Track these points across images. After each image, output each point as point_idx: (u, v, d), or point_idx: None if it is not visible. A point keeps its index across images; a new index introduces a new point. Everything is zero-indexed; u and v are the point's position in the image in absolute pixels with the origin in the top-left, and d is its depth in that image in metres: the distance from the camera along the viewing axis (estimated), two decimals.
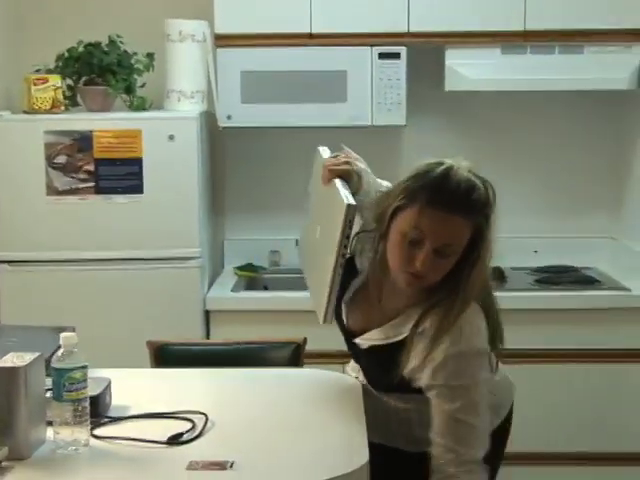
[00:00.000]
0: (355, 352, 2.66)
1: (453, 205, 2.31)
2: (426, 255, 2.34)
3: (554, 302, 3.99)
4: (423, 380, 2.41)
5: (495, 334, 2.51)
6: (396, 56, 4.14)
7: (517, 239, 4.47)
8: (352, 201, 2.40)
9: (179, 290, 3.97)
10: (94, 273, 3.95)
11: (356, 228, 2.50)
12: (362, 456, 2.20)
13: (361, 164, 2.62)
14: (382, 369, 2.52)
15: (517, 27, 4.09)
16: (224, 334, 3.90)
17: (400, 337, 2.47)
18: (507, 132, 4.51)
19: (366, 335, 2.56)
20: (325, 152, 2.72)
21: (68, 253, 3.94)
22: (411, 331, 2.43)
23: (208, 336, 4.00)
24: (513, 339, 4.01)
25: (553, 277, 4.28)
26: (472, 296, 2.39)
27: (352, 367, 2.84)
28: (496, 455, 2.60)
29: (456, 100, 4.41)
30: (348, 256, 2.48)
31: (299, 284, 4.31)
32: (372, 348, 2.55)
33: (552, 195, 4.58)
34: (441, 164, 2.37)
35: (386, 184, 2.63)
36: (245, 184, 4.57)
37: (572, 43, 4.11)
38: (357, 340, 2.59)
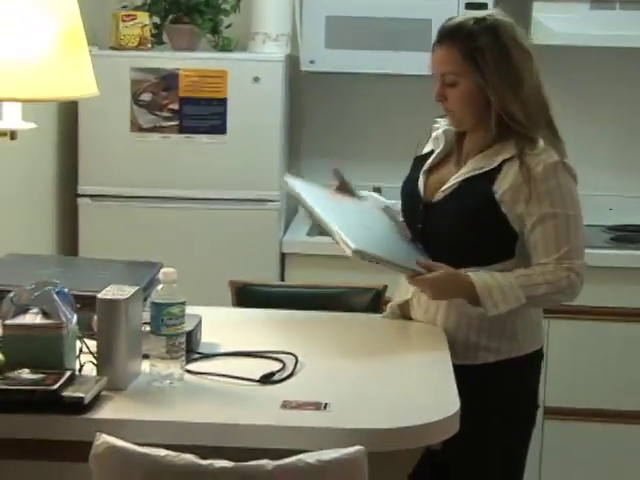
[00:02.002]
0: (428, 216, 2.78)
1: (438, 36, 2.72)
2: (437, 89, 2.72)
3: (632, 261, 3.98)
4: (531, 209, 2.64)
5: None
6: (483, 6, 4.09)
7: (592, 196, 4.43)
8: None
9: (257, 232, 4.00)
10: (174, 211, 3.99)
11: None
12: (453, 403, 2.22)
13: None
14: (465, 208, 2.69)
15: None
16: (298, 277, 3.93)
17: (494, 164, 2.69)
18: (589, 87, 4.46)
19: (453, 177, 2.74)
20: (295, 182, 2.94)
21: (149, 190, 3.98)
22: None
23: (283, 279, 4.04)
24: (587, 296, 4.02)
25: (629, 236, 4.25)
26: (531, 112, 2.68)
27: (403, 288, 2.88)
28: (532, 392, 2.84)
29: (541, 53, 4.34)
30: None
31: None
32: (457, 190, 2.72)
33: (629, 153, 4.54)
34: None
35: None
36: (323, 129, 4.57)
37: None
38: (438, 194, 2.75)
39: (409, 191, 2.86)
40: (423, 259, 2.68)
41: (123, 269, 2.88)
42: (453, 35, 2.69)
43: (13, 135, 2.50)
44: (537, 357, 2.83)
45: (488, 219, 2.69)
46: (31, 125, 2.52)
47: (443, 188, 2.75)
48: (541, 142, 2.69)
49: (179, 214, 4.00)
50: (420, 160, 2.89)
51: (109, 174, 3.98)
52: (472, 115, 2.72)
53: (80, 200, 4.02)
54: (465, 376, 2.48)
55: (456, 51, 2.68)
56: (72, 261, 3.42)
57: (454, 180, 2.73)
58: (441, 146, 2.84)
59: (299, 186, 2.90)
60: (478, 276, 2.62)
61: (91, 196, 4.00)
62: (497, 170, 2.68)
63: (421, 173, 2.83)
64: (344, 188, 2.94)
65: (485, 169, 2.70)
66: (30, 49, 2.36)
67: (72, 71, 2.42)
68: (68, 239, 4.08)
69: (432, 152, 2.87)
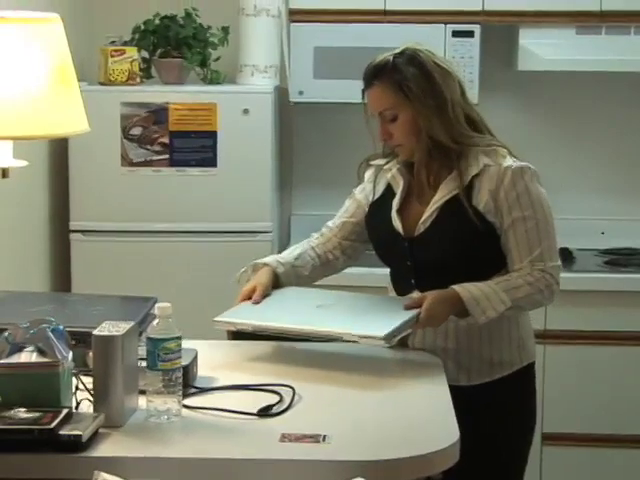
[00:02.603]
0: (415, 250, 2.80)
1: (365, 80, 2.82)
2: (379, 127, 2.81)
3: (625, 284, 3.99)
4: (504, 217, 2.72)
5: None
6: (470, 34, 4.13)
7: (584, 220, 4.46)
8: None
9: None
10: (166, 245, 3.99)
11: None
12: (453, 433, 2.21)
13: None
14: (451, 232, 2.74)
15: (593, 7, 4.07)
16: None
17: (465, 183, 2.74)
18: (577, 112, 4.49)
19: (428, 207, 2.78)
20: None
21: (140, 224, 3.98)
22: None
23: None
24: (582, 320, 4.03)
25: (621, 259, 4.27)
26: (457, 133, 2.74)
27: None
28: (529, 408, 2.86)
29: (527, 80, 4.40)
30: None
31: (367, 261, 4.33)
32: (437, 217, 2.77)
33: (620, 176, 4.55)
34: None
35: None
36: (313, 159, 4.58)
37: None
38: (418, 227, 2.78)
39: (385, 233, 2.89)
40: (406, 301, 2.73)
41: (117, 304, 2.87)
42: (379, 73, 2.78)
43: (5, 173, 2.50)
44: (534, 367, 2.91)
45: (479, 232, 2.74)
46: (23, 163, 2.52)
47: (422, 220, 2.79)
48: (501, 150, 2.77)
49: (172, 247, 4.00)
50: (378, 204, 2.92)
51: (101, 209, 3.98)
52: (420, 143, 2.78)
53: (72, 235, 4.02)
54: (477, 395, 2.49)
55: (387, 87, 2.76)
56: (66, 297, 3.40)
57: (431, 209, 2.78)
58: (401, 184, 2.88)
59: (239, 316, 2.83)
60: (462, 287, 2.67)
61: (83, 231, 4.00)
62: (469, 187, 2.74)
63: (393, 213, 2.85)
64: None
65: (458, 190, 2.75)
66: (21, 87, 2.36)
67: (63, 108, 2.42)
68: (61, 274, 4.07)
69: (389, 193, 2.90)
